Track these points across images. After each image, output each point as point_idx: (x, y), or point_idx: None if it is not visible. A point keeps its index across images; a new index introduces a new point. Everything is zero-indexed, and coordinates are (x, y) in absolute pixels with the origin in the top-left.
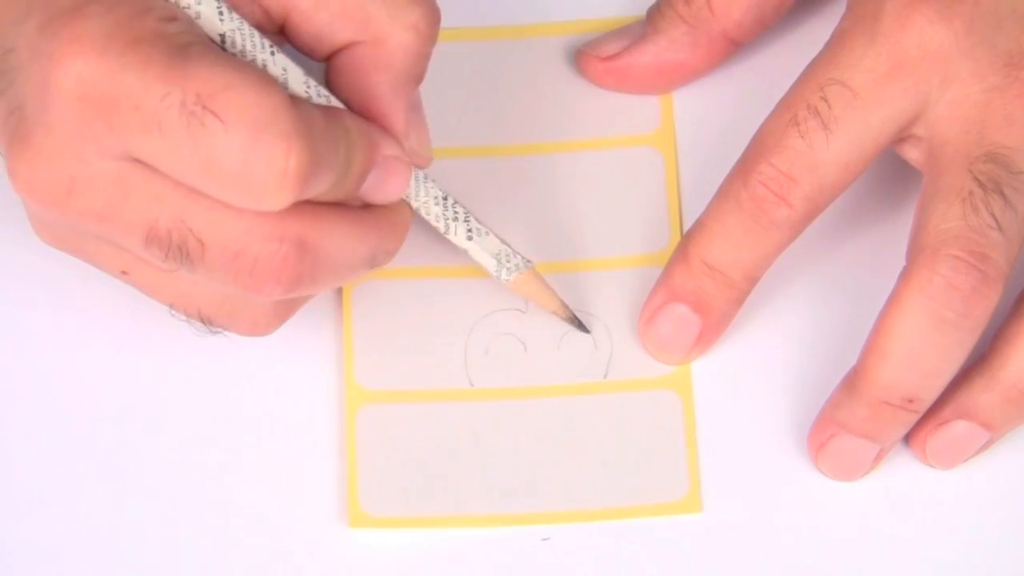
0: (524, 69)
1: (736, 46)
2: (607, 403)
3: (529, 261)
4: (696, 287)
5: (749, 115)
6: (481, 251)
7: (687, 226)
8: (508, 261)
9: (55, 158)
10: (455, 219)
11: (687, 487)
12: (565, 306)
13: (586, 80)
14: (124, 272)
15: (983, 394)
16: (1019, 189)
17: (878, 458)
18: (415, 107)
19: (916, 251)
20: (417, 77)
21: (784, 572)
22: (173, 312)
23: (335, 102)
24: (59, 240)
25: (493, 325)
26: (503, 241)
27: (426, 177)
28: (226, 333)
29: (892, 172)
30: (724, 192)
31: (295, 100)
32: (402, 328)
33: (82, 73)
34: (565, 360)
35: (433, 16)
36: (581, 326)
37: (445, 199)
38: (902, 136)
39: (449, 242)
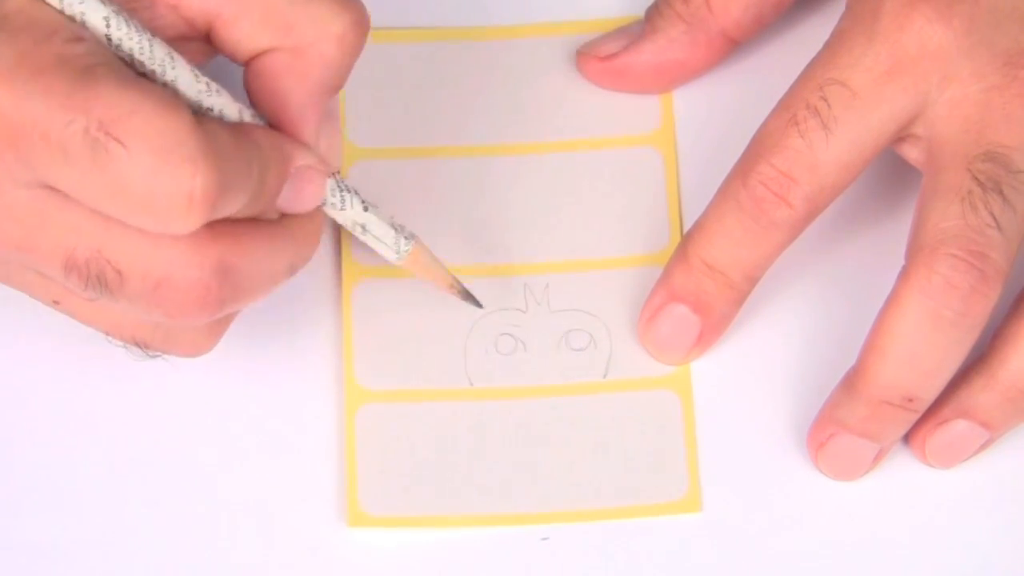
0: (524, 69)
1: (735, 45)
2: (607, 403)
3: (415, 235)
4: (696, 287)
5: (749, 115)
6: (379, 221)
7: (687, 226)
8: (403, 231)
9: None
10: (348, 191)
11: (687, 487)
12: (457, 280)
13: (586, 80)
14: (56, 301)
15: (982, 393)
16: (1018, 188)
17: (878, 458)
18: (329, 114)
19: (915, 250)
20: (335, 87)
21: (784, 572)
22: (110, 339)
23: (245, 114)
24: None
25: (493, 325)
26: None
27: None
28: (165, 356)
29: (892, 172)
30: (724, 192)
31: (202, 121)
32: (402, 328)
33: None
34: (565, 360)
35: (360, 27)
36: (474, 300)
37: (335, 174)
38: (901, 135)
39: (460, 240)
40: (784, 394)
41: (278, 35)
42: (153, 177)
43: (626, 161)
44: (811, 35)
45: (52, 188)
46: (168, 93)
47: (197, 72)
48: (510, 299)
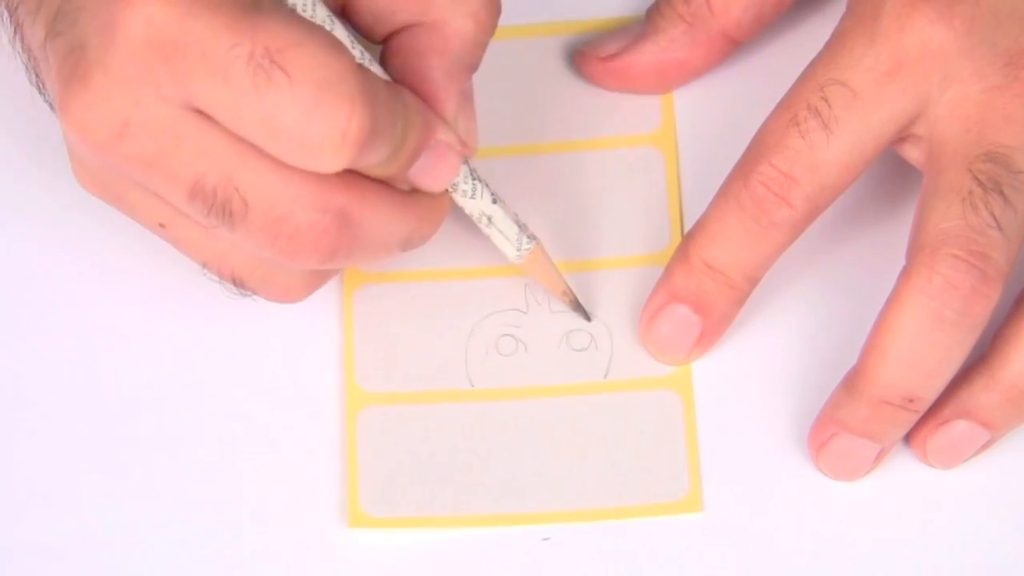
0: (524, 69)
1: (735, 45)
2: (608, 403)
3: (536, 236)
4: (697, 288)
5: (750, 115)
6: (505, 216)
7: (688, 226)
8: (526, 229)
9: (111, 99)
10: (480, 181)
11: (687, 487)
12: (570, 289)
13: (586, 80)
14: (162, 225)
15: (983, 394)
16: (1019, 188)
17: (878, 458)
18: (466, 95)
19: (916, 250)
20: (472, 65)
21: (784, 572)
22: (206, 271)
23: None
24: (100, 186)
25: (493, 326)
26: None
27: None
28: (255, 298)
29: (892, 172)
30: (725, 192)
31: (361, 67)
32: (402, 330)
33: (152, 16)
34: (565, 360)
35: (493, 5)
36: (583, 312)
37: (467, 161)
38: (902, 136)
39: (461, 241)
40: (785, 394)
41: (417, 11)
42: (311, 110)
43: (626, 161)
44: (811, 35)
45: (195, 110)
46: (330, 35)
47: (353, 38)
48: (511, 300)
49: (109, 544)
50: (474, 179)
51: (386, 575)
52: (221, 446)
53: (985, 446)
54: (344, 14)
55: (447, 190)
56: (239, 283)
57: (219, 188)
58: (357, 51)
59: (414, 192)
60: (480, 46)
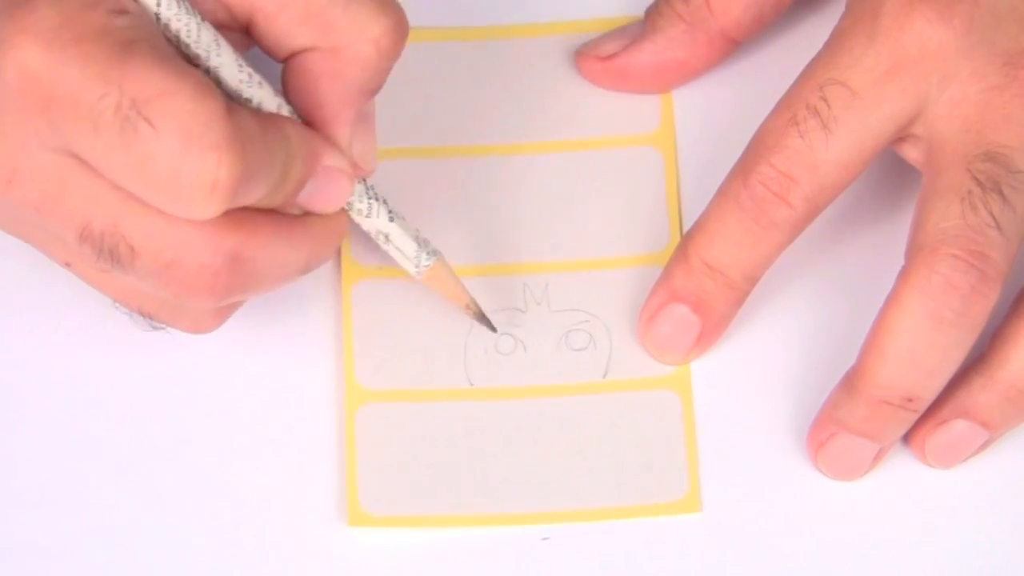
0: (524, 69)
1: (735, 45)
2: (606, 403)
3: (438, 251)
4: (696, 288)
5: (749, 115)
6: (403, 234)
7: (687, 226)
8: (427, 246)
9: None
10: (377, 199)
11: (687, 487)
12: (474, 301)
13: (585, 80)
14: (68, 264)
15: (982, 393)
16: (1018, 188)
17: (877, 458)
18: (365, 117)
19: (915, 250)
20: (371, 90)
21: (784, 573)
22: (116, 305)
23: (284, 109)
24: (8, 225)
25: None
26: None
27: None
28: (169, 330)
29: (891, 172)
30: (724, 192)
31: (232, 109)
32: (402, 328)
33: (26, 63)
34: (564, 360)
35: (398, 31)
36: (488, 324)
37: (363, 180)
38: (901, 135)
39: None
40: (784, 394)
41: (317, 34)
42: (178, 160)
43: (626, 161)
44: (811, 35)
45: (77, 156)
46: (203, 78)
47: (241, 62)
48: (509, 299)
49: (107, 542)
50: (370, 198)
51: (386, 574)
52: (220, 444)
53: (984, 446)
54: (248, 33)
55: (343, 209)
56: (149, 317)
57: (106, 234)
58: (245, 73)
59: (308, 216)
60: (381, 72)
